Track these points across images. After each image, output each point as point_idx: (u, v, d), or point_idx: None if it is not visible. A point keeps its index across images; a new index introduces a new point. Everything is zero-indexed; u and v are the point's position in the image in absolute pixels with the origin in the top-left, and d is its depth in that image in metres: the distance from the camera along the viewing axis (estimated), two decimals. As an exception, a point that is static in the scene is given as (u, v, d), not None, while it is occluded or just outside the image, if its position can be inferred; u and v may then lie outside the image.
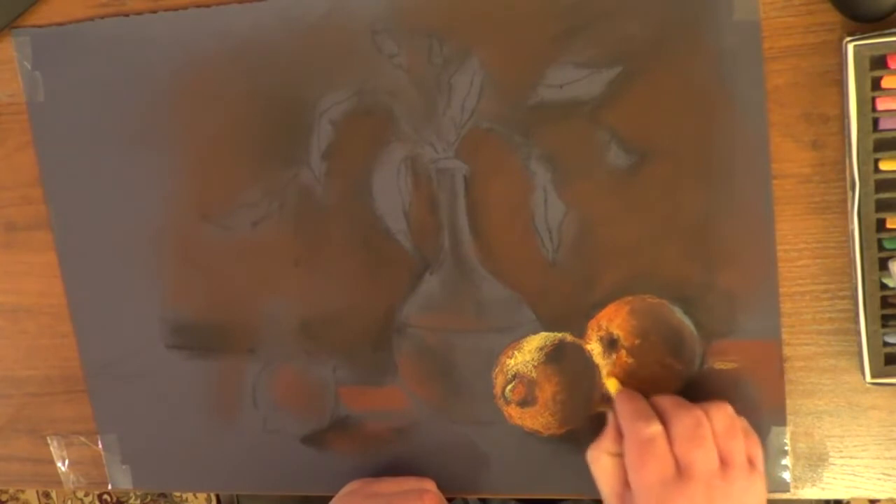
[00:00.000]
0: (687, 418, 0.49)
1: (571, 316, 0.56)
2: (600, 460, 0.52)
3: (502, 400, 0.58)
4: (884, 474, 0.55)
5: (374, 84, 0.56)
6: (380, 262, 0.58)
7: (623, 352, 0.56)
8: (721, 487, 0.48)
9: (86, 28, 0.59)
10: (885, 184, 0.50)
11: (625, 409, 0.51)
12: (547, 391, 0.58)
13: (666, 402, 0.51)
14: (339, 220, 0.58)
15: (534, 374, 0.57)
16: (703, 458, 0.48)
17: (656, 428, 0.49)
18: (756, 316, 0.54)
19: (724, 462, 0.48)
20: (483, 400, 0.59)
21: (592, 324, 0.56)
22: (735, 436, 0.49)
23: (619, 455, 0.51)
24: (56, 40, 0.59)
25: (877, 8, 0.48)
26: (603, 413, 0.56)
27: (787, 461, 0.55)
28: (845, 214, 0.52)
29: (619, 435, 0.51)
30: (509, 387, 0.58)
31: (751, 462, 0.49)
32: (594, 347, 0.56)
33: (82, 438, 0.66)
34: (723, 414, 0.50)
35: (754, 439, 0.51)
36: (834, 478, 0.56)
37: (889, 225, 0.51)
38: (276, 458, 0.63)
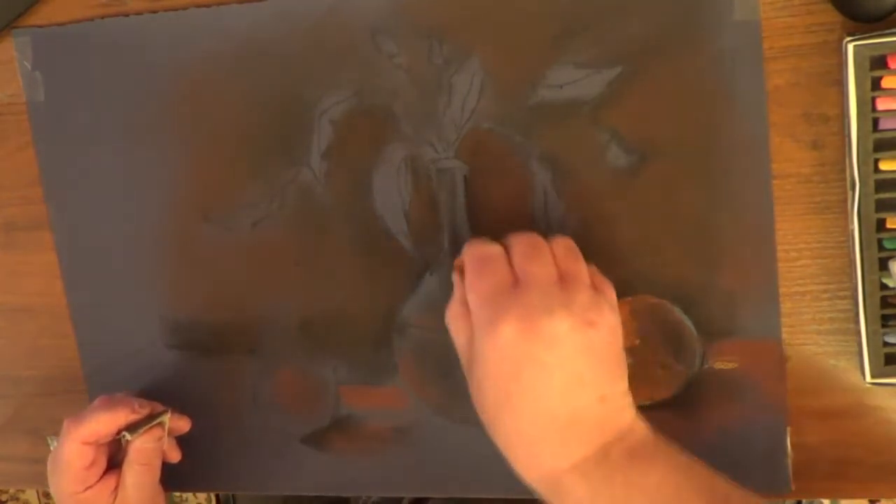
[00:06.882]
0: (525, 238, 0.49)
1: (571, 316, 0.56)
2: (455, 317, 0.49)
3: (502, 400, 0.58)
4: (884, 474, 0.55)
5: (374, 84, 0.56)
6: (380, 262, 0.58)
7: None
8: (559, 296, 0.46)
9: (86, 28, 0.59)
10: (885, 184, 0.50)
11: (468, 248, 0.50)
12: (547, 391, 0.57)
13: (509, 234, 0.50)
14: (339, 220, 0.58)
15: (534, 374, 0.57)
16: (539, 270, 0.47)
17: (495, 248, 0.49)
18: (756, 316, 0.54)
19: (563, 278, 0.48)
20: (483, 400, 0.58)
21: (592, 324, 0.56)
22: (575, 259, 0.49)
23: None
24: (56, 40, 0.59)
25: (877, 8, 0.48)
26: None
27: (787, 461, 0.55)
28: (845, 214, 0.52)
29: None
30: (509, 387, 0.58)
31: (596, 288, 0.49)
32: (594, 347, 0.56)
33: (82, 438, 0.66)
34: (563, 241, 0.50)
35: (601, 277, 0.50)
36: (834, 478, 0.56)
37: (889, 225, 0.50)
38: (276, 458, 0.63)
